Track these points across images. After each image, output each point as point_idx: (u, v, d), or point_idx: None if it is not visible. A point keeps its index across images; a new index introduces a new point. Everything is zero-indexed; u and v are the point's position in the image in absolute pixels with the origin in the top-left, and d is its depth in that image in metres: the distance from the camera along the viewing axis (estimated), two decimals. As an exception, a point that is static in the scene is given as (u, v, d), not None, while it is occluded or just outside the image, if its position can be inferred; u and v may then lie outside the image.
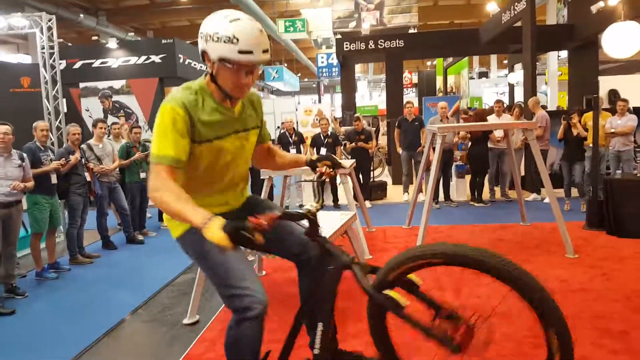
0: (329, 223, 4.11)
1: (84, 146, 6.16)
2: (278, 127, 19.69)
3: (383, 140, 12.84)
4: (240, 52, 1.85)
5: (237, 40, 1.84)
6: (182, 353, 3.41)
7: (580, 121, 6.98)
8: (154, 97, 10.89)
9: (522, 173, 8.46)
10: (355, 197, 6.28)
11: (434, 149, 5.76)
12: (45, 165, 5.31)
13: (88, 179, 6.01)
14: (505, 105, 9.34)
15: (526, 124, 5.73)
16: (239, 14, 1.93)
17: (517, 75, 14.28)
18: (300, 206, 8.30)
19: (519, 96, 14.43)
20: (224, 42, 1.85)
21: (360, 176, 8.16)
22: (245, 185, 2.32)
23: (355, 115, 8.68)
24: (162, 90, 11.04)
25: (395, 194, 9.09)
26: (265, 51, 1.91)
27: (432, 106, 10.07)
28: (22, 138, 5.12)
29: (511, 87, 15.52)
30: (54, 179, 5.43)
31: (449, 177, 8.15)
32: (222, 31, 1.86)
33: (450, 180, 8.25)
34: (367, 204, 7.89)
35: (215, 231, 1.68)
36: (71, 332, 3.94)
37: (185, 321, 3.93)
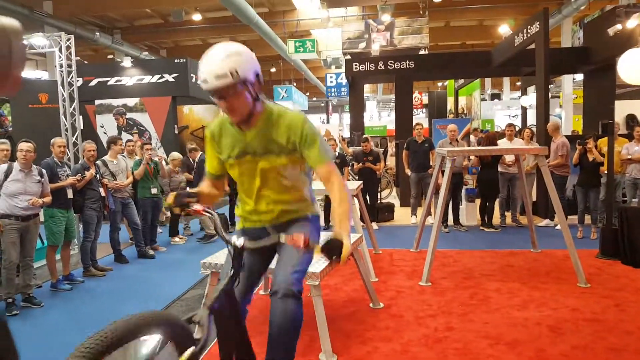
0: (337, 246, 4.10)
1: (99, 162, 6.35)
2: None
3: (391, 162, 12.84)
4: (201, 82, 2.06)
5: (200, 72, 2.06)
6: None
7: (596, 146, 6.91)
8: (166, 115, 11.04)
9: (534, 198, 8.40)
10: (362, 219, 6.28)
11: (443, 172, 5.75)
12: (62, 180, 5.49)
13: (102, 194, 6.17)
14: (517, 129, 9.30)
15: (538, 150, 5.70)
16: (217, 47, 2.09)
17: (530, 98, 14.27)
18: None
19: (531, 119, 14.39)
20: None
21: (367, 197, 8.15)
22: (275, 206, 2.40)
23: (364, 136, 8.70)
24: (174, 108, 11.19)
25: (403, 216, 9.06)
26: (219, 76, 1.99)
27: (442, 128, 10.07)
28: (40, 153, 5.26)
29: (524, 110, 15.50)
30: (70, 194, 5.61)
31: (458, 201, 8.11)
32: None
33: (460, 204, 8.20)
34: (374, 225, 7.87)
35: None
36: (72, 345, 3.97)
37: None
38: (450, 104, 17.70)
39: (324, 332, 3.51)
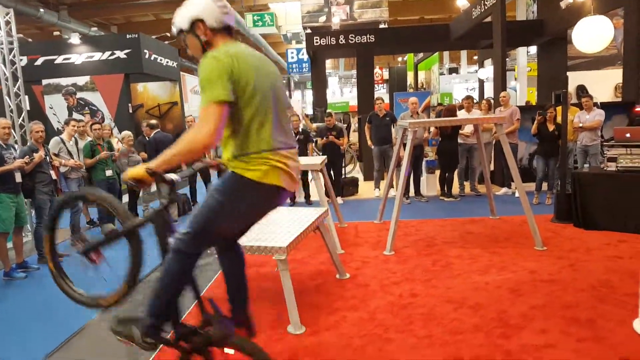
0: (301, 219, 4.09)
1: (57, 138, 6.09)
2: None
3: (354, 137, 12.87)
4: None
5: None
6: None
7: (555, 117, 7.07)
8: (119, 94, 10.61)
9: (492, 168, 8.61)
10: (327, 193, 6.28)
11: (404, 144, 5.78)
12: (8, 163, 5.16)
13: (54, 177, 5.89)
14: (474, 101, 9.45)
15: (496, 118, 5.81)
16: None
17: (487, 71, 14.53)
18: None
19: (489, 92, 14.69)
20: None
21: (332, 172, 8.16)
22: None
23: (327, 111, 8.65)
24: (127, 86, 10.76)
25: (366, 190, 9.13)
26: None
27: (403, 102, 10.14)
28: None
29: (481, 82, 15.78)
30: (18, 178, 5.33)
31: (419, 173, 8.22)
32: None
33: (421, 176, 8.32)
34: (339, 200, 7.90)
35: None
36: (41, 331, 3.87)
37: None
38: (410, 79, 17.84)
39: (292, 305, 3.52)
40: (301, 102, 12.47)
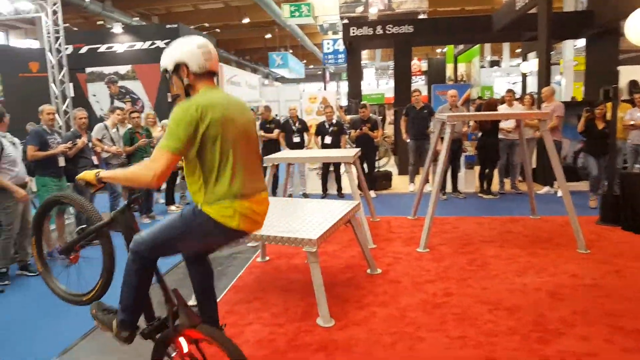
0: (332, 211, 4.04)
1: (101, 124, 6.22)
2: (276, 115, 19.61)
3: (389, 130, 12.69)
4: None
5: None
6: None
7: (605, 114, 6.67)
8: (159, 83, 10.80)
9: (534, 165, 8.32)
10: (360, 187, 6.20)
11: (442, 138, 5.63)
12: (52, 148, 5.32)
13: (95, 162, 6.05)
14: (517, 96, 9.14)
15: (539, 114, 5.58)
16: None
17: (531, 65, 14.02)
18: (304, 195, 8.22)
19: (531, 86, 14.20)
20: None
21: (365, 166, 8.05)
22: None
23: (362, 102, 8.53)
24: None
25: (401, 184, 8.99)
26: None
27: (441, 94, 9.90)
28: (33, 121, 5.10)
29: (524, 76, 15.28)
30: (61, 162, 5.48)
31: (457, 168, 8.02)
32: None
33: (459, 171, 8.12)
34: (372, 193, 7.80)
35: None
36: (73, 316, 3.93)
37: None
38: (449, 71, 17.45)
39: (322, 298, 3.48)
40: (335, 93, 12.39)
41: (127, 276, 2.27)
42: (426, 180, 6.71)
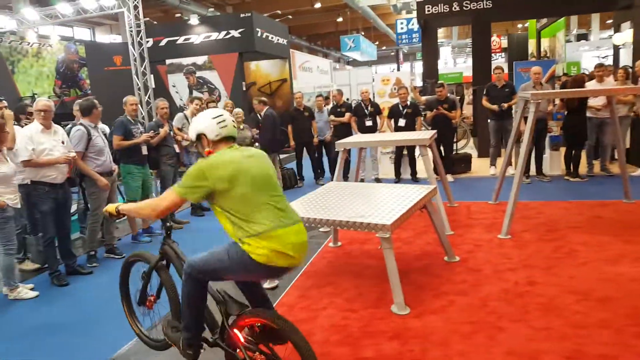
0: (407, 196, 3.93)
1: (181, 114, 6.50)
2: (347, 99, 19.44)
3: (468, 110, 12.18)
4: None
5: None
6: None
7: None
8: (234, 72, 11.07)
9: (627, 145, 7.63)
10: (436, 171, 6.00)
11: (525, 118, 5.29)
12: (136, 137, 5.62)
13: (177, 150, 6.33)
14: (608, 69, 8.37)
15: (635, 89, 5.07)
16: None
17: (625, 36, 12.79)
18: (377, 179, 8.11)
19: (625, 59, 12.98)
20: None
21: (442, 148, 7.79)
22: None
23: (439, 82, 8.21)
24: (241, 65, 11.19)
25: (481, 167, 8.60)
26: None
27: (523, 71, 9.34)
28: (115, 113, 5.43)
29: (616, 49, 13.98)
30: (144, 151, 5.78)
31: (542, 149, 7.53)
32: None
33: (544, 153, 7.62)
34: (449, 177, 7.54)
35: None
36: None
37: (265, 285, 4.03)
38: (531, 47, 16.42)
39: (396, 285, 3.41)
40: (410, 74, 12.00)
41: (183, 297, 2.51)
42: (508, 163, 6.36)
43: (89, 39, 20.89)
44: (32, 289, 4.37)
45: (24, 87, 11.13)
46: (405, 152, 8.04)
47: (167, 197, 2.41)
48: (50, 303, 4.16)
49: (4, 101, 5.09)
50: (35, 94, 11.14)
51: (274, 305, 3.60)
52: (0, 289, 4.34)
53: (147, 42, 7.96)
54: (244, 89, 11.30)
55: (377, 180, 8.11)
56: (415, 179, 7.93)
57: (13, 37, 11.27)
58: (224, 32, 11.07)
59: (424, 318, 3.31)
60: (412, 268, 4.22)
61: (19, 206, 4.24)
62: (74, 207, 5.35)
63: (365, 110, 8.06)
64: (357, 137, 6.34)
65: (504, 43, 21.30)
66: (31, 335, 3.57)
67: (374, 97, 9.32)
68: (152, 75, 7.98)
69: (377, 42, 30.28)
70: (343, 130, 7.95)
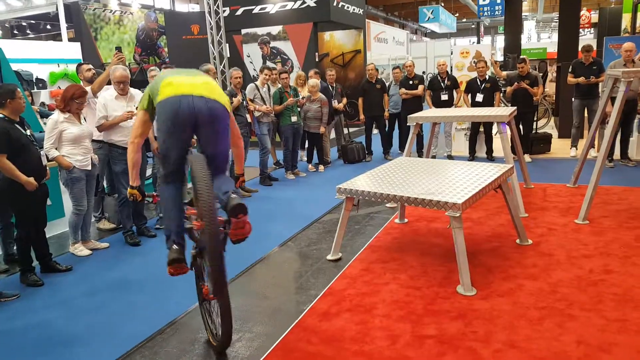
0: (481, 175, 3.79)
1: (252, 85, 6.63)
2: (423, 72, 18.80)
3: (551, 88, 11.45)
4: None
5: None
6: (325, 285, 3.60)
7: None
8: (307, 43, 11.04)
9: None
10: (514, 150, 5.74)
11: (613, 98, 4.89)
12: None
13: (249, 120, 6.47)
14: None
15: None
16: None
17: None
18: (449, 156, 7.88)
19: None
20: None
21: (521, 126, 7.40)
22: None
23: (521, 57, 7.75)
24: (315, 35, 11.11)
25: (561, 148, 8.11)
26: None
27: (615, 48, 8.59)
28: None
29: None
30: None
31: (629, 132, 6.96)
32: None
33: (631, 136, 7.04)
34: (527, 157, 7.19)
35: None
36: (232, 253, 4.35)
37: (329, 257, 4.12)
38: (625, 22, 15.05)
39: (464, 265, 3.34)
40: (490, 48, 11.36)
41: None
42: (591, 145, 5.95)
43: (169, 8, 21.60)
44: (107, 247, 4.71)
45: (105, 53, 11.74)
46: (481, 129, 7.72)
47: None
48: (123, 261, 4.43)
49: (92, 69, 5.40)
50: (84, 63, 11.76)
51: (336, 277, 3.67)
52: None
53: (224, 10, 8.09)
54: (317, 60, 11.26)
55: (450, 157, 7.88)
56: (490, 158, 7.62)
57: (97, 4, 11.84)
58: (299, 2, 11.02)
59: (490, 300, 3.22)
60: (481, 249, 4.10)
61: (89, 168, 4.42)
62: (148, 172, 5.58)
63: (442, 84, 7.80)
64: (431, 112, 6.15)
65: (594, 18, 19.66)
66: (105, 290, 3.80)
67: (451, 70, 8.97)
68: (227, 45, 8.13)
69: (457, 14, 28.98)
70: (414, 104, 7.75)
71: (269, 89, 7.08)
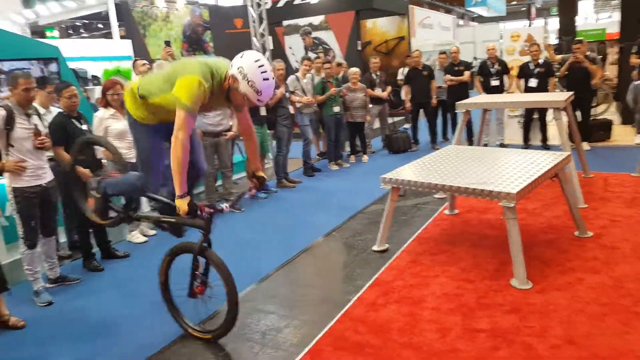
0: (536, 163, 3.59)
1: (293, 77, 6.64)
2: (475, 58, 18.16)
3: (611, 71, 10.79)
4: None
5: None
6: (371, 276, 3.54)
7: None
8: (350, 31, 10.90)
9: None
10: (571, 137, 5.43)
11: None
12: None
13: (292, 111, 6.46)
14: None
15: None
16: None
17: None
18: (502, 145, 7.58)
19: None
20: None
21: (578, 113, 7.00)
22: None
23: (577, 39, 7.31)
24: (357, 23, 10.95)
25: (623, 135, 7.60)
26: None
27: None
28: None
29: None
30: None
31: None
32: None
33: None
34: (585, 145, 6.79)
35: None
36: (278, 242, 4.45)
37: (375, 248, 4.05)
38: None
39: (518, 258, 3.19)
40: (543, 30, 10.81)
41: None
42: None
43: (213, 3, 21.90)
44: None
45: (154, 50, 11.99)
46: (535, 115, 7.36)
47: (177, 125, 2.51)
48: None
49: (147, 64, 5.55)
50: (137, 59, 12.04)
51: (382, 269, 3.59)
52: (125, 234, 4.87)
53: (266, 3, 8.08)
54: (359, 48, 11.10)
55: (502, 145, 7.57)
56: (545, 146, 7.25)
57: (144, 2, 12.13)
58: (342, -11, 10.89)
59: (546, 294, 3.05)
60: (536, 241, 3.90)
61: (133, 160, 4.55)
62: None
63: (491, 69, 7.48)
64: (481, 98, 5.91)
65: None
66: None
67: (501, 54, 8.61)
68: (270, 37, 8.12)
69: (505, -3, 27.89)
70: (460, 91, 7.50)
71: (312, 79, 7.02)
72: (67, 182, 3.83)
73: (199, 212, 2.63)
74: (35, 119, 3.54)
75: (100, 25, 18.41)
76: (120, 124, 4.37)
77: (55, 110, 4.14)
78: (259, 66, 2.47)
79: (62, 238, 4.50)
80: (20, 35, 6.88)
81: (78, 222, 4.18)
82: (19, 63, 4.88)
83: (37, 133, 3.50)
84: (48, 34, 15.33)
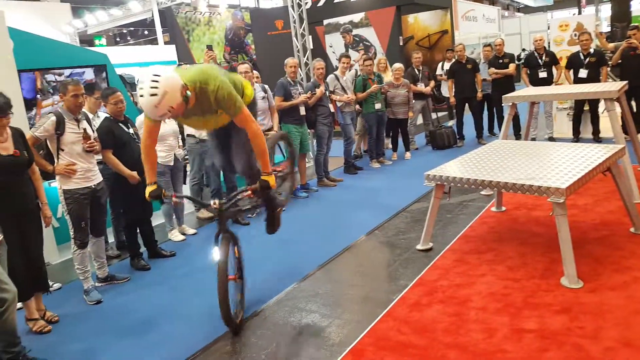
0: (587, 157, 3.43)
1: (332, 76, 6.63)
2: (523, 50, 17.55)
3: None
4: None
5: None
6: (415, 276, 3.49)
7: None
8: (391, 27, 10.78)
9: None
10: (625, 129, 5.14)
11: None
12: (294, 98, 5.85)
13: (332, 110, 6.45)
14: None
15: None
16: None
17: None
18: (550, 138, 7.30)
19: None
20: None
21: (633, 103, 6.64)
22: None
23: (632, 25, 6.93)
24: (399, 19, 10.82)
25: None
26: None
27: None
28: (278, 75, 5.91)
29: None
30: (302, 111, 6.01)
31: None
32: None
33: None
34: (641, 137, 6.43)
35: None
36: (319, 241, 4.47)
37: (419, 247, 3.99)
38: None
39: (568, 255, 3.06)
40: (594, 18, 10.31)
41: None
42: None
43: (254, 6, 22.20)
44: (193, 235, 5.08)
45: (197, 54, 12.28)
46: (586, 107, 7.04)
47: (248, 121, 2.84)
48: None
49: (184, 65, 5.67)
50: (182, 63, 12.33)
51: (427, 268, 3.53)
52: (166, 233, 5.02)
53: (306, 3, 8.11)
54: (401, 43, 10.96)
55: (551, 139, 7.29)
56: (597, 139, 6.92)
57: (187, 7, 12.45)
58: (382, -14, 10.79)
59: (600, 294, 2.91)
60: (588, 238, 3.74)
61: (171, 163, 4.75)
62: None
63: (539, 60, 7.21)
64: (528, 91, 5.70)
65: None
66: (204, 271, 3.87)
67: (549, 45, 8.28)
68: (310, 36, 8.14)
69: (552, -15, 26.85)
70: (504, 84, 7.27)
71: (356, 73, 6.98)
72: (113, 185, 4.06)
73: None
74: (84, 123, 3.69)
75: (145, 32, 19.05)
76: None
77: (102, 115, 4.30)
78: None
79: (111, 238, 4.68)
80: (71, 44, 7.20)
81: (125, 222, 4.35)
82: (73, 71, 5.13)
83: (86, 137, 3.65)
84: (96, 42, 16.02)
